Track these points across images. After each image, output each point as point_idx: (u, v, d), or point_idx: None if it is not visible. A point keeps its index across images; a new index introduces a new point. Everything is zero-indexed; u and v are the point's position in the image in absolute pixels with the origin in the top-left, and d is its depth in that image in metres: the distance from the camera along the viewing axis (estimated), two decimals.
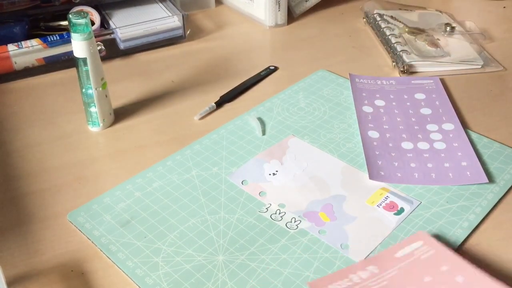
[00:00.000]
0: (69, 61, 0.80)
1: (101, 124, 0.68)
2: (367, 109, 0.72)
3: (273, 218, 0.56)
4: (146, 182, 0.60)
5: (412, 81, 0.77)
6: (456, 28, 0.90)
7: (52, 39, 0.79)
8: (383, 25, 0.91)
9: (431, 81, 0.77)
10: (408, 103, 0.73)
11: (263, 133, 0.68)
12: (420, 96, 0.74)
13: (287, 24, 0.95)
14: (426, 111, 0.71)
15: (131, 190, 0.59)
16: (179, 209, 0.56)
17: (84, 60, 0.64)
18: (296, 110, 0.72)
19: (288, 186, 0.59)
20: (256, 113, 0.72)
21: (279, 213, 0.56)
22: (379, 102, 0.73)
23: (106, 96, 0.68)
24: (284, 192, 0.59)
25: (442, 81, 0.77)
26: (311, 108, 0.73)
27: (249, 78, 0.80)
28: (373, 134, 0.67)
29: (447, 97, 0.73)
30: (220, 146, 0.66)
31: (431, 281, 0.40)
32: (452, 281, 0.40)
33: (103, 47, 0.82)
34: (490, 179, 0.60)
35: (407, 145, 0.65)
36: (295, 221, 0.55)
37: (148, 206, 0.57)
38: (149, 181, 0.60)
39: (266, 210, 0.56)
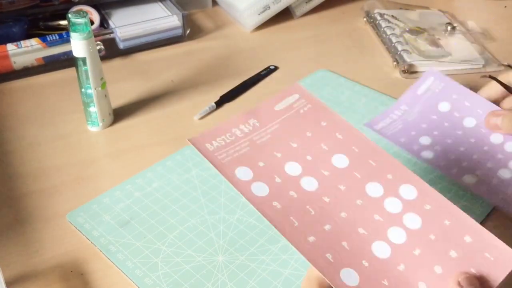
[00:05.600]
0: (68, 61, 0.79)
1: (101, 124, 0.68)
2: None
3: None
4: (146, 182, 0.60)
5: (418, 93, 0.70)
6: (457, 28, 0.89)
7: (52, 39, 0.79)
8: (383, 24, 0.91)
9: (432, 78, 0.70)
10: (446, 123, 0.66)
11: None
12: (444, 106, 0.67)
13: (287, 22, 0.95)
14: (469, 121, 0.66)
15: (131, 190, 0.59)
16: (179, 209, 0.56)
17: (84, 59, 0.63)
18: None
19: None
20: None
21: None
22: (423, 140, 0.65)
23: (105, 96, 0.67)
24: None
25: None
26: None
27: (249, 78, 0.79)
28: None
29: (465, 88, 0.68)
30: None
31: (312, 136, 0.42)
32: (333, 137, 0.43)
33: (102, 46, 0.82)
34: None
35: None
36: None
37: (148, 206, 0.57)
38: (148, 181, 0.60)
39: None
